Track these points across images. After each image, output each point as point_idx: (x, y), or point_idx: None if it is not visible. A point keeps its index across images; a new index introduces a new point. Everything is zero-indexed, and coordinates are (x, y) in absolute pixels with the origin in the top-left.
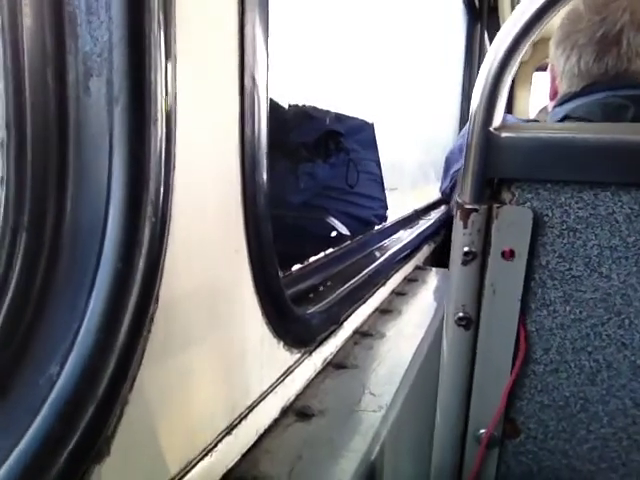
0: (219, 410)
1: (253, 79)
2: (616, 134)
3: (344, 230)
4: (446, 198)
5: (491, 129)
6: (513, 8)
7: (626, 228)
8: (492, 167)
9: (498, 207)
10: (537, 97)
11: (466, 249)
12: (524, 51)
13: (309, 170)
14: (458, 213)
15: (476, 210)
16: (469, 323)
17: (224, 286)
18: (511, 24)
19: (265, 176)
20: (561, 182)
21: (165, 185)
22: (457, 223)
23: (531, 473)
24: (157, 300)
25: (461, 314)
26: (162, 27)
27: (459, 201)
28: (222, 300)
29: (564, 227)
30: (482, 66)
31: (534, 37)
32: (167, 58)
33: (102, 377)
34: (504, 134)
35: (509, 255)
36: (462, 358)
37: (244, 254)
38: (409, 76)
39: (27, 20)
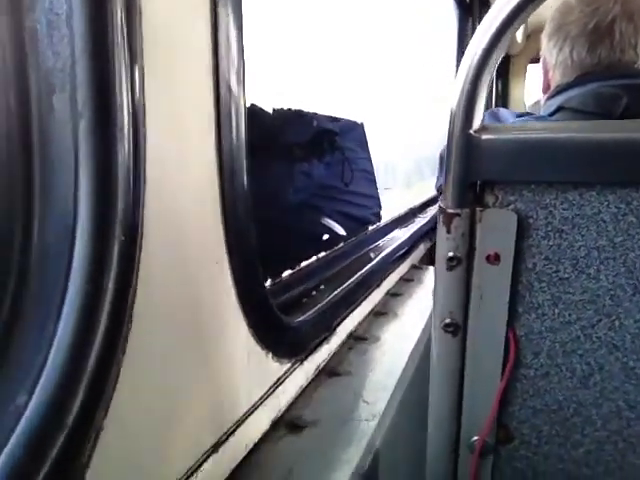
0: (204, 428)
1: (229, 88)
2: (599, 133)
3: (340, 230)
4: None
5: (471, 132)
6: None
7: (613, 228)
8: (474, 170)
9: (481, 210)
10: (532, 89)
11: (450, 254)
12: (503, 51)
13: (305, 170)
14: (441, 217)
15: (459, 214)
16: (457, 329)
17: (205, 300)
18: (487, 23)
19: (245, 185)
20: (544, 183)
21: (135, 202)
22: (440, 228)
23: (526, 479)
24: (131, 320)
25: (448, 320)
26: (126, 39)
27: (441, 205)
28: (204, 314)
29: (549, 229)
30: (460, 67)
31: (510, 36)
32: (133, 71)
33: (73, 405)
34: (484, 136)
35: (494, 259)
36: (451, 365)
37: (226, 266)
38: (403, 74)
39: None
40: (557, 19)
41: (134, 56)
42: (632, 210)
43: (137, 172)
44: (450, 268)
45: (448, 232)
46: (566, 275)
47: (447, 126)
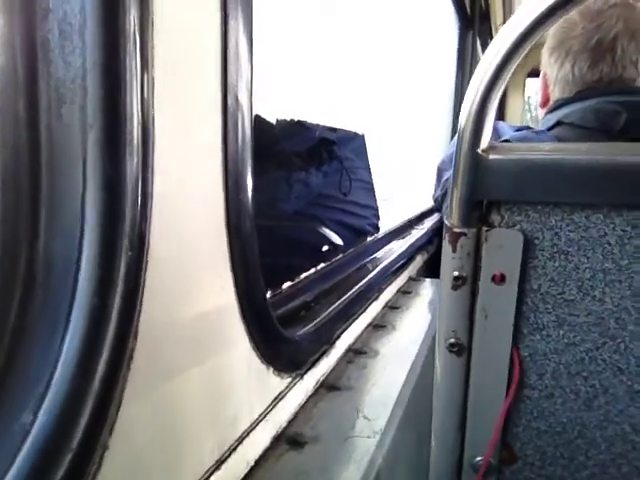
0: (207, 445)
1: (237, 99)
2: (607, 155)
3: (337, 240)
4: (438, 206)
5: (479, 151)
6: (505, 13)
7: (618, 251)
8: (480, 189)
9: (487, 230)
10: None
11: (456, 273)
12: (512, 70)
13: (302, 178)
14: (447, 236)
15: (465, 234)
16: (461, 349)
17: (209, 314)
18: (499, 42)
19: (250, 198)
20: (551, 204)
21: (142, 216)
22: (446, 247)
23: None
24: (136, 336)
25: (452, 340)
26: (138, 51)
27: (447, 224)
28: (207, 329)
29: (555, 250)
30: (469, 86)
31: (521, 57)
32: (143, 84)
33: (79, 424)
34: (492, 156)
35: (500, 279)
36: (455, 384)
37: (229, 279)
38: (400, 86)
39: None
40: (559, 34)
41: (145, 69)
42: (638, 234)
43: (145, 185)
44: (455, 287)
45: (454, 251)
46: (571, 297)
47: (455, 143)
